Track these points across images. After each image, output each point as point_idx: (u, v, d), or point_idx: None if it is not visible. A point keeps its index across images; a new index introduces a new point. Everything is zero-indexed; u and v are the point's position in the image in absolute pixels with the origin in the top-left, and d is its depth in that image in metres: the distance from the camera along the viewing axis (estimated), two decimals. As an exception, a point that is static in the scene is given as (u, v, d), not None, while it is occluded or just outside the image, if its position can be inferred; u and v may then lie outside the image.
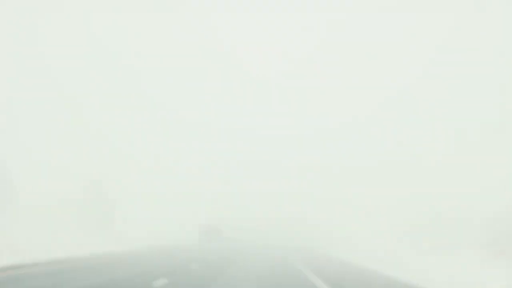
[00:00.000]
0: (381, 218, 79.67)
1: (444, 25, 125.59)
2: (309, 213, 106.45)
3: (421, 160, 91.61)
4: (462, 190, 65.67)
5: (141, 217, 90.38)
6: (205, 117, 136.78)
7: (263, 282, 21.51)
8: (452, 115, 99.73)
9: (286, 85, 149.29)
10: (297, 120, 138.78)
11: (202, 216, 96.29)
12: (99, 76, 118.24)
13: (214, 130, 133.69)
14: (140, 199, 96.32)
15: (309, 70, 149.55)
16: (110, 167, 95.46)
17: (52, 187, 73.09)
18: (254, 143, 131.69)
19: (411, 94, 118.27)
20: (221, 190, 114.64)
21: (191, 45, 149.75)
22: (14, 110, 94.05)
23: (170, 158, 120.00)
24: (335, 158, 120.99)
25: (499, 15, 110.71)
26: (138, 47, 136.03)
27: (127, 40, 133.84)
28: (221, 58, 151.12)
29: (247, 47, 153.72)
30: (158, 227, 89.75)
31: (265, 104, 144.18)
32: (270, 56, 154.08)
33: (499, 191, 60.54)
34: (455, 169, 75.28)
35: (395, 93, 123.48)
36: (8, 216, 60.55)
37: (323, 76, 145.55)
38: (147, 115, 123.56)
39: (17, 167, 76.45)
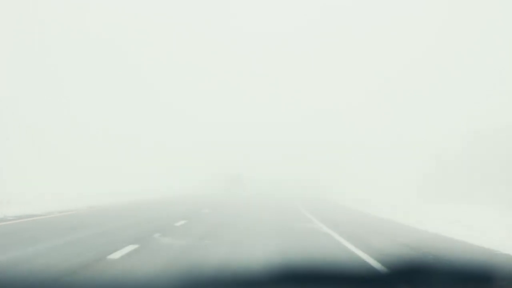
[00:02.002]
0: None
1: (439, 12, 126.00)
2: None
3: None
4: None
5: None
6: (205, 107, 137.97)
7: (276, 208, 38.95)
8: (446, 104, 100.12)
9: (282, 73, 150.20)
10: (293, 105, 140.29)
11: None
12: (98, 70, 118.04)
13: (214, 119, 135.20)
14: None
15: (304, 58, 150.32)
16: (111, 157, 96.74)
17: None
18: (254, 128, 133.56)
19: (405, 81, 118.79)
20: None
21: (187, 36, 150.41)
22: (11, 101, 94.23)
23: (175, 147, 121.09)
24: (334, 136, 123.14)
25: (497, 3, 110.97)
26: (140, 40, 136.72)
27: (127, 33, 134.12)
28: (218, 48, 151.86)
29: (242, 35, 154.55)
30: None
31: (262, 90, 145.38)
32: (261, 42, 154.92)
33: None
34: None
35: (392, 78, 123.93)
36: None
37: (321, 63, 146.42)
38: (148, 106, 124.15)
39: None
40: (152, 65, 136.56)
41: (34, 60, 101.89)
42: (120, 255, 13.59)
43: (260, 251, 15.06)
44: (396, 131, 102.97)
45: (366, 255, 14.78)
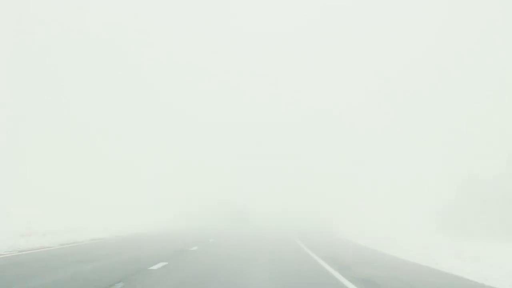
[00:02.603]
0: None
1: (439, 12, 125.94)
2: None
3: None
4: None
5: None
6: (206, 109, 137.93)
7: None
8: (444, 105, 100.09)
9: (282, 73, 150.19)
10: (293, 105, 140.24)
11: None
12: (100, 74, 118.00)
13: (212, 123, 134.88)
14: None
15: (304, 58, 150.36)
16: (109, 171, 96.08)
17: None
18: (253, 131, 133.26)
19: (405, 81, 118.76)
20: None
21: (187, 36, 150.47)
22: (12, 109, 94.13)
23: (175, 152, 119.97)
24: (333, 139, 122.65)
25: (497, 3, 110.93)
26: (140, 40, 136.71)
27: (127, 33, 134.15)
28: (218, 48, 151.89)
29: (242, 35, 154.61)
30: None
31: (262, 90, 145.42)
32: (261, 42, 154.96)
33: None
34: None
35: (389, 79, 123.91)
36: None
37: (321, 64, 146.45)
38: (148, 106, 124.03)
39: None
40: (152, 65, 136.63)
41: (34, 60, 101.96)
42: None
43: None
44: (396, 131, 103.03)
45: None
